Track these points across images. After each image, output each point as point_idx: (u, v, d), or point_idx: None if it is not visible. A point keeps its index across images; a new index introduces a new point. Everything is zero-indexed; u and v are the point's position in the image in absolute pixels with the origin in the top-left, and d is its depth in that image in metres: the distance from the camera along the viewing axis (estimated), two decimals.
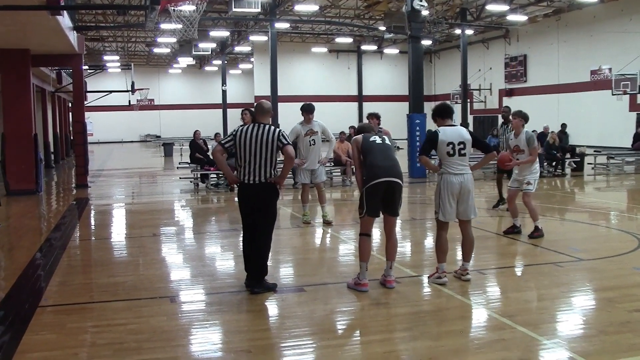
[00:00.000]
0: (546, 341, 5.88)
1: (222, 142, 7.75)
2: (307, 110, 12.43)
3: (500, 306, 7.18)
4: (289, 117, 43.92)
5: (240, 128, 7.71)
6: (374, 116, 12.13)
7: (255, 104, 8.12)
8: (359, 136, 8.03)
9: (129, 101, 40.76)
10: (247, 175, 7.57)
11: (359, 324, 6.73)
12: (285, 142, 7.63)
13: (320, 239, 11.84)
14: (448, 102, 9.00)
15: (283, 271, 9.20)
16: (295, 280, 8.62)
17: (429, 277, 8.15)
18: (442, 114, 8.11)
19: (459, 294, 7.46)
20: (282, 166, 7.72)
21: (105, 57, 52.81)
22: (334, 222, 12.74)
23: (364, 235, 7.68)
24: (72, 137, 39.31)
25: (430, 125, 24.16)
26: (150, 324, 6.56)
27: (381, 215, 7.79)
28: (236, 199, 7.98)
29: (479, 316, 6.86)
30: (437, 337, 6.08)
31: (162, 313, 6.99)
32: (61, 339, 6.21)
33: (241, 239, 8.05)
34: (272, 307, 7.27)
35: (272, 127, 7.68)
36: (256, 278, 7.71)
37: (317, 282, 8.28)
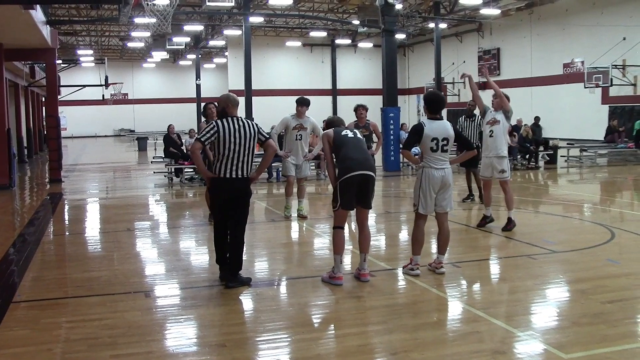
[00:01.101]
0: (520, 333, 5.92)
1: (202, 138, 7.53)
2: (302, 104, 12.17)
3: (474, 299, 7.23)
4: (263, 111, 44.02)
5: (221, 122, 7.55)
6: (363, 107, 12.27)
7: (221, 97, 7.99)
8: (330, 130, 8.04)
9: (103, 95, 40.40)
10: (230, 170, 7.50)
11: (334, 318, 6.74)
12: (266, 137, 7.68)
13: (294, 233, 11.83)
14: (437, 91, 8.82)
15: (257, 265, 9.18)
16: (270, 274, 8.62)
17: (403, 267, 8.18)
18: (431, 107, 8.05)
19: (434, 286, 7.48)
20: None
21: (79, 52, 52.31)
22: (308, 216, 12.73)
23: (338, 228, 7.68)
24: (45, 132, 39.04)
25: (404, 118, 24.04)
26: (125, 319, 6.52)
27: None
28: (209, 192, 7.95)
29: (454, 309, 6.88)
30: (412, 329, 6.09)
31: (136, 308, 6.95)
32: (35, 334, 6.15)
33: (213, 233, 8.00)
34: (247, 301, 7.25)
35: (250, 121, 7.70)
36: (231, 272, 7.68)
37: (291, 276, 8.28)
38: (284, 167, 12.55)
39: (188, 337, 6.15)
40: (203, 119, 12.30)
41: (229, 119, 7.60)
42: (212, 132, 7.49)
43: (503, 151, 10.75)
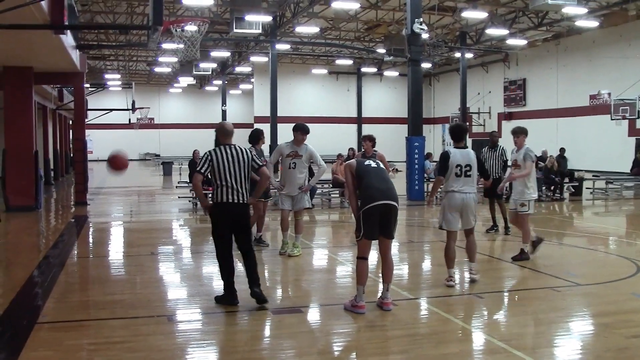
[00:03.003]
0: None
1: (201, 169, 7.85)
2: (300, 130, 11.29)
3: (497, 330, 7.19)
4: (288, 138, 44.14)
5: (214, 151, 7.86)
6: (368, 139, 11.86)
7: (216, 126, 8.36)
8: (353, 160, 8.19)
9: (129, 119, 40.83)
10: (230, 196, 7.77)
11: (356, 346, 6.74)
12: (259, 164, 8.07)
13: (316, 261, 11.82)
14: (461, 123, 9.70)
15: (279, 292, 9.22)
16: (292, 301, 8.63)
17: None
18: (454, 136, 9.15)
19: (457, 317, 7.46)
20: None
21: (107, 76, 52.98)
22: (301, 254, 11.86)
23: (361, 259, 7.69)
24: (72, 155, 39.43)
25: (429, 148, 24.01)
26: (148, 343, 6.57)
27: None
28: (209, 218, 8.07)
29: (476, 339, 6.86)
30: (433, 359, 6.07)
31: (159, 332, 7.00)
32: (59, 356, 6.20)
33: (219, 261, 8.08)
34: (269, 328, 7.28)
35: (244, 148, 8.02)
36: (257, 285, 7.89)
37: (313, 304, 8.30)
38: (279, 199, 11.82)
39: None
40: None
41: (222, 147, 7.91)
42: (206, 162, 7.83)
43: (528, 194, 10.86)
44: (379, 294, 7.89)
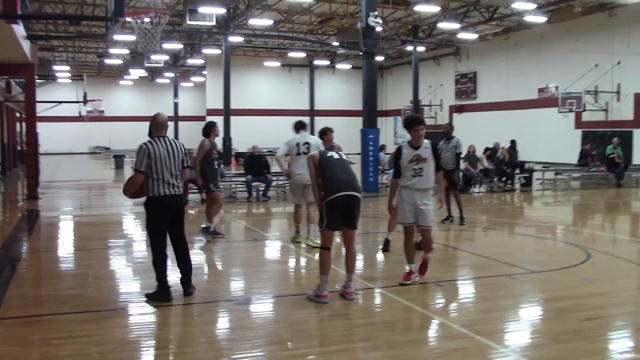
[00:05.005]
0: (503, 349, 6.09)
1: (141, 168, 7.65)
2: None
3: (458, 316, 7.37)
4: (241, 131, 44.12)
5: (150, 144, 7.71)
6: (330, 130, 12.02)
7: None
8: (316, 152, 8.28)
9: (80, 112, 40.24)
10: (167, 188, 7.70)
11: (320, 335, 6.84)
12: (186, 165, 7.98)
13: (277, 252, 11.88)
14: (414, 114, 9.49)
15: (240, 283, 9.27)
16: (254, 292, 8.66)
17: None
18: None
19: (418, 305, 7.62)
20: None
21: (55, 67, 52.08)
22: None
23: (324, 249, 7.79)
24: (20, 148, 38.69)
25: (382, 140, 24.10)
26: (114, 335, 6.57)
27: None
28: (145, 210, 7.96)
29: (439, 326, 7.02)
30: (399, 346, 6.21)
31: (123, 324, 7.02)
32: (23, 352, 6.16)
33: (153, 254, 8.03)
34: (233, 318, 7.34)
35: (178, 141, 7.97)
36: (189, 279, 7.94)
37: (276, 294, 8.37)
38: (288, 194, 12.21)
39: (176, 353, 6.22)
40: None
41: (157, 139, 7.79)
42: (144, 157, 7.67)
43: None
44: (340, 284, 8.01)
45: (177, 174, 7.78)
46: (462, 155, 14.81)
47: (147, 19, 15.43)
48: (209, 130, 12.22)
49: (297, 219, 12.08)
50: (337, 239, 9.01)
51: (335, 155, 8.04)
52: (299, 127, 11.98)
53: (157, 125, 7.91)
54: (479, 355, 5.95)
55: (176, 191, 7.76)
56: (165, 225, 7.82)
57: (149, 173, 7.67)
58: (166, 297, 7.73)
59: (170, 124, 38.94)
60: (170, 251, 7.93)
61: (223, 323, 7.26)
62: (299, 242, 11.89)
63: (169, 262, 7.90)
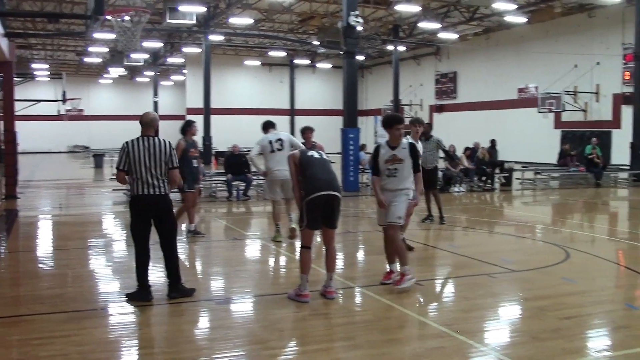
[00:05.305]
0: (484, 348, 6.13)
1: (119, 166, 7.71)
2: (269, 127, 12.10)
3: (438, 315, 7.40)
4: (221, 130, 43.98)
5: (130, 142, 7.71)
6: (310, 130, 12.15)
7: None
8: (297, 151, 8.30)
9: (58, 111, 39.90)
10: (146, 188, 7.62)
11: (301, 334, 6.84)
12: (172, 166, 7.77)
13: (256, 251, 11.89)
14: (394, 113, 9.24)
15: (221, 283, 9.27)
16: (235, 291, 8.66)
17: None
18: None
19: (399, 304, 7.62)
20: None
21: (34, 65, 51.66)
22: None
23: (305, 248, 7.79)
24: None
25: (362, 139, 24.02)
26: (94, 336, 6.54)
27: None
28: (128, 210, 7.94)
29: (419, 325, 7.04)
30: (379, 345, 6.22)
31: (103, 325, 6.99)
32: (2, 352, 6.12)
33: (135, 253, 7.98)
34: (214, 318, 7.33)
35: (164, 141, 7.81)
36: (173, 284, 7.84)
37: (256, 294, 8.36)
38: (267, 190, 12.25)
39: (156, 353, 6.20)
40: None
41: (139, 138, 7.75)
42: (123, 155, 7.68)
43: None
44: (321, 284, 8.02)
45: (159, 174, 7.65)
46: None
47: (127, 17, 15.34)
48: (185, 129, 12.27)
49: (276, 217, 12.10)
50: (318, 238, 9.03)
51: (316, 155, 8.04)
52: (267, 126, 12.14)
53: (143, 124, 7.91)
54: (459, 354, 5.98)
55: (156, 192, 7.64)
56: (145, 225, 7.75)
57: (130, 172, 7.64)
58: (146, 296, 7.68)
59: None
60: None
61: (204, 322, 7.27)
62: (279, 241, 11.88)
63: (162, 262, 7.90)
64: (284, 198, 12.00)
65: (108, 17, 15.07)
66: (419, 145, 10.53)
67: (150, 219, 7.75)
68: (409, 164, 8.27)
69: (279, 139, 11.79)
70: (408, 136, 11.20)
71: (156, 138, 7.78)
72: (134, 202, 7.75)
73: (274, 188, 11.85)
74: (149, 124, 7.89)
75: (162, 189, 7.71)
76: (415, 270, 8.99)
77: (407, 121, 10.30)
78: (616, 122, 32.68)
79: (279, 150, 11.59)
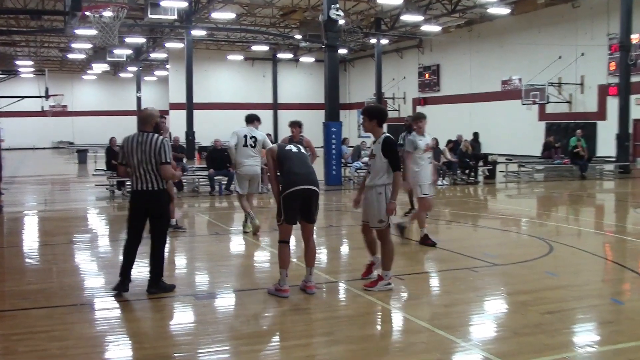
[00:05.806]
0: (464, 343, 6.06)
1: (119, 161, 7.97)
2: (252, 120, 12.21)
3: (418, 310, 7.32)
4: (204, 124, 43.80)
5: (126, 139, 7.79)
6: (297, 124, 12.13)
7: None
8: (274, 145, 8.24)
9: (42, 107, 39.65)
10: (140, 184, 7.67)
11: (281, 329, 6.79)
12: (162, 161, 7.65)
13: (238, 246, 11.82)
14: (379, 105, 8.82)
15: (202, 278, 9.22)
16: (215, 286, 8.60)
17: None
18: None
19: (379, 299, 7.56)
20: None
21: (18, 62, 51.32)
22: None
23: (283, 243, 7.72)
24: None
25: (345, 133, 23.90)
26: (74, 331, 6.48)
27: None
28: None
29: (399, 320, 7.01)
30: (358, 340, 6.17)
31: (83, 320, 6.92)
32: None
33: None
34: (193, 313, 7.28)
35: (156, 138, 7.72)
36: (153, 279, 7.81)
37: (237, 289, 8.30)
38: (235, 183, 12.42)
39: (136, 348, 6.14)
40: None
41: (134, 134, 7.79)
42: (121, 149, 7.86)
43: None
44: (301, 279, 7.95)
45: (150, 169, 7.61)
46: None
47: (105, 13, 15.24)
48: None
49: (245, 207, 12.18)
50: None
51: (294, 149, 7.97)
52: (251, 119, 12.22)
53: (139, 120, 8.08)
54: (440, 350, 5.91)
55: (149, 187, 7.63)
56: (139, 221, 7.82)
57: (128, 167, 7.79)
58: (121, 287, 7.69)
59: (134, 118, 38.69)
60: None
61: (183, 318, 7.20)
62: (247, 232, 12.12)
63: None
64: (250, 192, 12.21)
65: (87, 12, 14.96)
66: (417, 139, 10.48)
67: (146, 214, 7.78)
68: (381, 160, 7.78)
69: (253, 137, 11.94)
70: (413, 132, 11.26)
71: (150, 134, 7.75)
72: (131, 196, 7.94)
73: (243, 182, 12.02)
74: (145, 120, 7.92)
75: (155, 184, 7.67)
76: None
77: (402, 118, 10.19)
78: (601, 114, 32.76)
79: (252, 146, 11.84)
